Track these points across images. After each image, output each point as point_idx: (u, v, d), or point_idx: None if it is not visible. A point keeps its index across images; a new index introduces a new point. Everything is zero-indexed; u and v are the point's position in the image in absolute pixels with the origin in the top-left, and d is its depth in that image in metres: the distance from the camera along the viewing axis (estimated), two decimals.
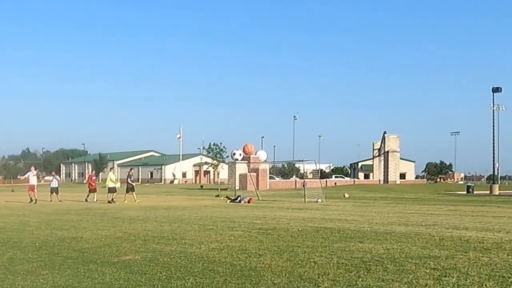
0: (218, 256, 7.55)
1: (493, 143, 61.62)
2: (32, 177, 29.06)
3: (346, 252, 8.04)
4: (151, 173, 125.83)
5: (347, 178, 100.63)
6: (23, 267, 6.69)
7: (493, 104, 61.40)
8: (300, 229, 12.16)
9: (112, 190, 28.60)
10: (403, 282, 5.57)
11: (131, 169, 37.13)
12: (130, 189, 29.80)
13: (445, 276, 5.91)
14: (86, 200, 28.80)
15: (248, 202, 28.65)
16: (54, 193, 30.21)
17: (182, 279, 5.73)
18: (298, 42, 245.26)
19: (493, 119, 61.73)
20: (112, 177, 30.90)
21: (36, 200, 27.00)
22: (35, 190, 27.76)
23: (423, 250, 8.27)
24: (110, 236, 10.69)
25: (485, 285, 5.46)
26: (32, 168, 30.84)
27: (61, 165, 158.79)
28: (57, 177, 33.35)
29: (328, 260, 7.16)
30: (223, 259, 7.24)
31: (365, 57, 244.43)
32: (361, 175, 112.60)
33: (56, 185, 31.07)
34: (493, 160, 62.57)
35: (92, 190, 30.06)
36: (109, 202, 26.78)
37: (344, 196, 40.07)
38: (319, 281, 5.61)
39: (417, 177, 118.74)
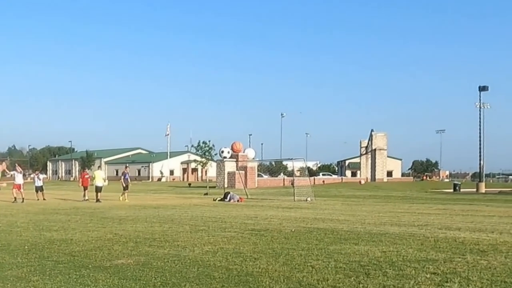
0: (213, 260, 7.38)
1: (480, 141, 62.02)
2: (17, 175, 28.39)
3: (342, 255, 7.89)
4: (139, 171, 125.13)
5: (334, 176, 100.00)
6: (13, 272, 6.48)
7: (480, 102, 61.63)
8: (293, 230, 11.97)
9: (99, 188, 28.05)
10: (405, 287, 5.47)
11: (126, 167, 36.12)
12: (125, 188, 29.58)
13: (447, 282, 5.83)
14: (87, 199, 28.34)
15: (238, 201, 28.48)
16: (39, 192, 29.87)
17: (178, 285, 5.61)
18: (286, 38, 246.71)
19: (480, 117, 62.13)
20: (102, 175, 30.32)
21: (23, 199, 26.58)
22: (22, 189, 27.31)
23: (420, 253, 8.17)
24: (101, 237, 10.51)
25: None
26: (18, 168, 30.06)
27: (48, 162, 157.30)
28: (40, 175, 33.02)
29: (325, 264, 7.02)
30: (218, 263, 7.09)
31: (353, 53, 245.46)
32: (348, 173, 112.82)
33: (40, 184, 30.75)
34: (480, 158, 63.13)
35: (85, 188, 29.66)
36: (97, 201, 26.52)
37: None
38: (318, 287, 5.49)
39: (403, 175, 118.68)
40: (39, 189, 29.99)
